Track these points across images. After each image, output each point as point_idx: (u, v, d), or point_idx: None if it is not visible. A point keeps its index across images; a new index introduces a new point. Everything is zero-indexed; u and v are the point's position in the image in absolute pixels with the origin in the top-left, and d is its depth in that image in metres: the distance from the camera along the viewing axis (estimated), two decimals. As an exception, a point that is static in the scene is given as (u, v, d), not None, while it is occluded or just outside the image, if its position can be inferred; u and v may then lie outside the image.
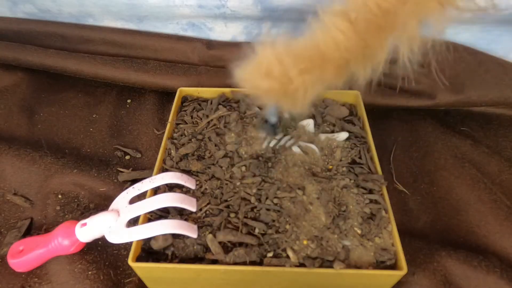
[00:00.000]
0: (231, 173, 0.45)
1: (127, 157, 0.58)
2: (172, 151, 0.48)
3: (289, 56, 0.33)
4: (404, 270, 0.36)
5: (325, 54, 0.32)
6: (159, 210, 0.42)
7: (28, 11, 0.69)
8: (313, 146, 0.48)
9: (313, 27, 0.33)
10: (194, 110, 0.54)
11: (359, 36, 0.31)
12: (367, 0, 0.30)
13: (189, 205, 0.41)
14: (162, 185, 0.44)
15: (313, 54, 0.33)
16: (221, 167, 0.46)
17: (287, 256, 0.38)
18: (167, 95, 0.66)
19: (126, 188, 0.45)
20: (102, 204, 0.51)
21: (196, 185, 0.44)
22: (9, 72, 0.70)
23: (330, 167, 0.46)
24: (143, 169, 0.55)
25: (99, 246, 0.46)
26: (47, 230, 0.48)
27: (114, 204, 0.43)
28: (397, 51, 0.33)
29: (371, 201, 0.42)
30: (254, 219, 0.41)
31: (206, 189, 0.44)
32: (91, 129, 0.62)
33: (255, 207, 0.42)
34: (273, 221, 0.41)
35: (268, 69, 0.34)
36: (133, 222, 0.41)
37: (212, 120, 0.52)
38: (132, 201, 0.43)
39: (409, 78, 0.35)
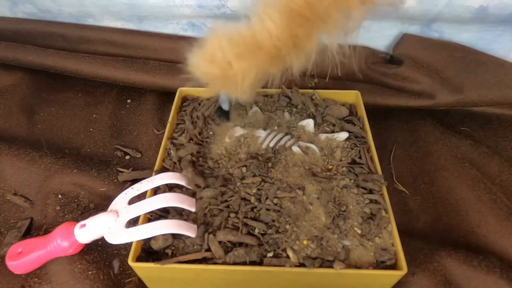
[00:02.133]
0: (231, 173, 0.45)
1: (127, 157, 0.58)
2: (172, 151, 0.48)
3: (229, 42, 0.35)
4: (404, 270, 0.36)
5: (258, 41, 0.34)
6: (158, 210, 0.42)
7: (28, 11, 0.69)
8: (313, 146, 0.48)
9: (250, 17, 0.36)
10: (194, 110, 0.54)
11: (287, 26, 0.33)
12: None
13: (189, 205, 0.41)
14: (162, 185, 0.44)
15: (248, 41, 0.35)
16: (221, 167, 0.46)
17: (287, 256, 0.38)
18: (167, 95, 0.66)
19: (126, 188, 0.45)
20: (102, 204, 0.51)
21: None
22: (9, 72, 0.70)
23: (330, 167, 0.46)
24: (143, 169, 0.55)
25: (99, 246, 0.46)
26: (47, 230, 0.48)
27: (113, 205, 0.43)
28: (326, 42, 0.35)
29: (371, 201, 0.42)
30: (254, 219, 0.41)
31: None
32: (91, 129, 0.62)
33: (255, 207, 0.42)
34: (273, 221, 0.41)
35: (211, 55, 0.36)
36: (133, 222, 0.41)
37: (210, 119, 0.52)
38: (132, 201, 0.43)
39: (337, 68, 0.35)
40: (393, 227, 0.40)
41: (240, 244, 0.39)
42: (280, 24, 0.33)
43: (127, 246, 0.46)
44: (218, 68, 0.36)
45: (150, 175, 0.45)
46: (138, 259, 0.39)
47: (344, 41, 0.35)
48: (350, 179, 0.44)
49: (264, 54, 0.35)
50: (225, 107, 0.47)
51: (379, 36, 0.63)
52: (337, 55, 0.35)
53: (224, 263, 0.38)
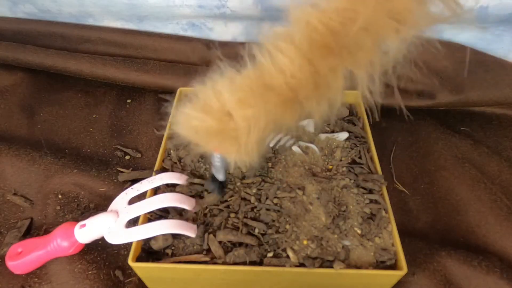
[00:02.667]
0: (231, 173, 0.45)
1: (127, 157, 0.58)
2: (172, 151, 0.48)
3: (228, 87, 0.28)
4: (404, 270, 0.36)
5: (268, 82, 0.27)
6: (158, 210, 0.42)
7: (28, 11, 0.69)
8: (313, 146, 0.48)
9: (255, 55, 0.28)
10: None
11: (305, 59, 0.27)
12: (309, 18, 0.26)
13: (189, 205, 0.41)
14: (162, 185, 0.44)
15: (254, 83, 0.28)
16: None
17: (287, 256, 0.38)
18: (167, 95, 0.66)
19: (126, 188, 0.45)
20: (102, 204, 0.51)
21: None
22: (9, 72, 0.70)
23: (330, 167, 0.46)
24: (143, 169, 0.55)
25: (99, 246, 0.46)
26: (47, 230, 0.48)
27: (113, 205, 0.43)
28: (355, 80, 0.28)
29: (371, 201, 0.42)
30: (254, 219, 0.41)
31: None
32: (91, 129, 0.62)
33: (255, 207, 0.42)
34: (273, 221, 0.41)
35: (205, 105, 0.29)
36: (133, 222, 0.41)
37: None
38: (132, 201, 0.43)
39: (373, 112, 0.28)
40: (393, 227, 0.40)
41: (240, 244, 0.39)
42: (296, 58, 0.26)
43: (127, 246, 0.46)
44: (213, 119, 0.28)
45: (150, 175, 0.45)
46: (138, 259, 0.39)
47: (376, 76, 0.28)
48: (350, 179, 0.44)
49: (275, 97, 0.28)
50: (220, 177, 0.38)
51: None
52: (371, 95, 0.28)
53: (224, 263, 0.38)
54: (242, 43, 0.64)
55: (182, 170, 0.46)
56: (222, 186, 0.39)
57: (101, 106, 0.67)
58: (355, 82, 0.28)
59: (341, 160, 0.47)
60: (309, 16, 0.26)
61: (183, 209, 0.42)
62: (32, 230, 0.49)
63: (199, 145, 0.31)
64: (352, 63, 0.27)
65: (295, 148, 0.47)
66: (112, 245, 0.45)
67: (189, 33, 0.67)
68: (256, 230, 0.40)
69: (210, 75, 0.30)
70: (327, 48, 0.26)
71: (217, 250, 0.38)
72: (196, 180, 0.44)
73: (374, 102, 0.28)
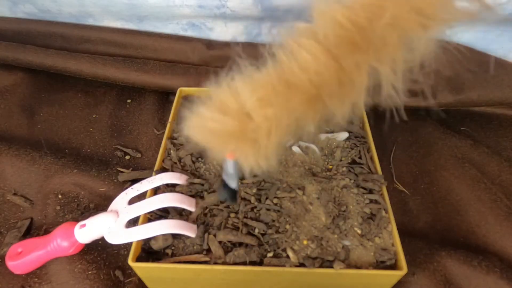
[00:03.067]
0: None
1: (127, 157, 0.58)
2: (172, 151, 0.48)
3: (247, 86, 0.27)
4: (404, 270, 0.36)
5: (290, 80, 0.26)
6: (158, 210, 0.42)
7: (28, 11, 0.69)
8: (313, 146, 0.48)
9: (276, 53, 0.27)
10: (194, 110, 0.54)
11: (330, 56, 0.26)
12: (335, 14, 0.26)
13: (189, 205, 0.41)
14: (162, 185, 0.44)
15: (275, 81, 0.26)
16: (221, 166, 0.46)
17: (287, 256, 0.38)
18: (167, 95, 0.66)
19: (126, 188, 0.45)
20: (102, 204, 0.51)
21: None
22: (9, 72, 0.70)
23: (330, 167, 0.46)
24: (143, 169, 0.55)
25: (99, 246, 0.46)
26: (47, 230, 0.48)
27: (113, 205, 0.43)
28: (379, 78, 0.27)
29: (371, 201, 0.42)
30: (254, 219, 0.41)
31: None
32: (91, 129, 0.62)
33: (255, 207, 0.42)
34: (273, 221, 0.41)
35: (222, 106, 0.27)
36: (133, 222, 0.41)
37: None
38: (132, 201, 0.43)
39: (398, 110, 0.27)
40: (393, 227, 0.40)
41: (240, 244, 0.39)
42: (321, 55, 0.25)
43: (127, 246, 0.46)
44: (230, 120, 0.26)
45: (150, 175, 0.45)
46: (138, 259, 0.39)
47: (401, 74, 0.27)
48: (350, 179, 0.44)
49: (298, 94, 0.26)
50: (233, 184, 0.35)
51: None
52: (396, 94, 0.27)
53: (224, 263, 0.38)
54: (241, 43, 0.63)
55: (182, 170, 0.46)
56: (234, 193, 0.37)
57: (101, 106, 0.67)
58: (379, 79, 0.27)
59: (341, 160, 0.47)
60: (335, 12, 0.26)
61: (183, 209, 0.42)
62: (32, 230, 0.49)
63: (215, 149, 0.29)
64: (377, 59, 0.26)
65: (295, 148, 0.47)
66: (112, 245, 0.45)
67: (189, 33, 0.67)
68: (256, 230, 0.40)
69: (225, 74, 0.28)
70: (353, 44, 0.26)
71: (217, 250, 0.38)
72: (196, 180, 0.44)
73: (399, 100, 0.27)
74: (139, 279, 0.42)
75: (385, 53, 0.26)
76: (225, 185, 0.36)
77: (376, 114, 0.61)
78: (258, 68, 0.28)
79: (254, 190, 0.43)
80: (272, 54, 0.27)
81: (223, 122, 0.27)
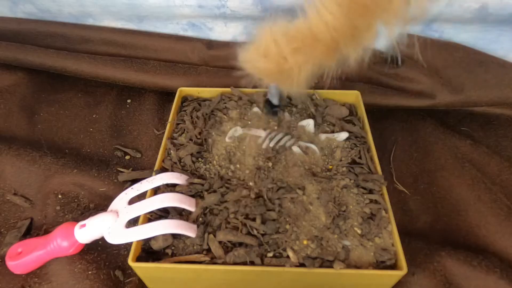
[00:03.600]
0: (231, 173, 0.45)
1: (127, 157, 0.58)
2: (172, 151, 0.48)
3: (284, 37, 0.35)
4: (404, 270, 0.36)
5: (315, 34, 0.34)
6: (158, 210, 0.42)
7: (28, 11, 0.69)
8: (313, 146, 0.48)
9: (306, 10, 0.34)
10: (194, 110, 0.54)
11: (346, 16, 0.32)
12: None
13: (189, 205, 0.41)
14: (162, 185, 0.44)
15: (305, 35, 0.34)
16: (221, 166, 0.46)
17: (287, 256, 0.38)
18: (167, 95, 0.66)
19: (126, 188, 0.45)
20: (102, 204, 0.51)
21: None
22: (9, 72, 0.70)
23: (330, 167, 0.46)
24: (143, 169, 0.55)
25: (99, 246, 0.46)
26: (47, 230, 0.48)
27: (113, 205, 0.43)
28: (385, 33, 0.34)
29: (371, 201, 0.42)
30: (254, 219, 0.41)
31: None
32: (91, 129, 0.62)
33: (255, 207, 0.42)
34: (273, 221, 0.40)
35: (265, 50, 0.36)
36: (133, 222, 0.41)
37: (210, 119, 0.52)
38: (132, 201, 0.43)
39: (397, 61, 0.35)
40: (393, 227, 0.40)
41: (240, 244, 0.39)
42: (339, 15, 0.32)
43: (127, 246, 0.46)
44: (272, 63, 0.36)
45: (150, 175, 0.45)
46: (138, 259, 0.39)
47: (405, 30, 0.33)
48: (350, 179, 0.44)
49: (321, 46, 0.34)
50: (275, 101, 0.46)
51: (379, 36, 0.63)
52: (398, 46, 0.33)
53: (224, 263, 0.38)
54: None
55: (182, 170, 0.46)
56: (275, 110, 0.47)
57: (101, 106, 0.67)
58: (384, 33, 0.34)
59: (341, 160, 0.47)
60: None
61: (183, 209, 0.42)
62: (32, 230, 0.49)
63: (262, 79, 0.39)
64: (384, 17, 0.32)
65: (295, 148, 0.47)
66: (112, 245, 0.45)
67: (189, 33, 0.67)
68: (256, 230, 0.40)
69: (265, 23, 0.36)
70: (364, 6, 0.31)
71: (217, 250, 0.38)
72: (196, 180, 0.44)
73: (398, 50, 0.33)
74: (139, 279, 0.42)
75: (390, 12, 0.32)
76: (268, 102, 0.47)
77: (376, 114, 0.61)
78: (292, 19, 0.35)
79: (255, 190, 0.43)
80: (303, 10, 0.34)
81: (267, 63, 0.36)
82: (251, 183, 0.44)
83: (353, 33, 0.33)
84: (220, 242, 0.39)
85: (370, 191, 0.43)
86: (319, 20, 0.33)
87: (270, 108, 0.48)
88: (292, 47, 0.35)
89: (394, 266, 0.38)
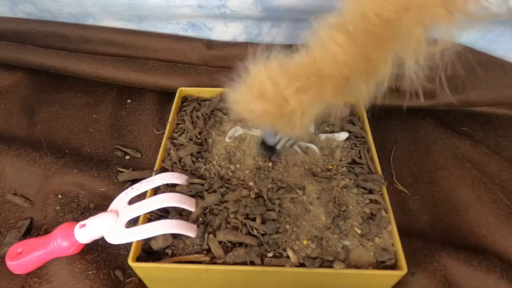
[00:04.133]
0: (231, 173, 0.45)
1: (127, 157, 0.58)
2: (172, 151, 0.48)
3: (284, 74, 0.30)
4: (404, 270, 0.36)
5: (322, 71, 0.29)
6: (158, 210, 0.42)
7: (28, 11, 0.69)
8: (313, 146, 0.48)
9: (308, 43, 0.30)
10: (194, 110, 0.54)
11: (358, 49, 0.28)
12: (364, 9, 0.28)
13: (189, 205, 0.41)
14: (162, 185, 0.44)
15: (309, 72, 0.30)
16: (221, 166, 0.46)
17: (287, 256, 0.38)
18: (167, 95, 0.66)
19: (126, 188, 0.45)
20: (102, 204, 0.51)
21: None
22: (9, 72, 0.70)
23: (330, 167, 0.46)
24: (143, 169, 0.55)
25: (99, 246, 0.46)
26: (47, 230, 0.48)
27: (113, 205, 0.43)
28: (402, 65, 0.30)
29: (371, 201, 0.42)
30: (254, 219, 0.41)
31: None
32: (91, 129, 0.62)
33: (255, 207, 0.42)
34: (273, 221, 0.40)
35: (261, 90, 0.31)
36: (133, 222, 0.41)
37: (210, 119, 0.52)
38: (132, 201, 0.43)
39: (418, 94, 0.30)
40: (393, 227, 0.40)
41: (240, 244, 0.39)
42: (350, 48, 0.28)
43: (127, 246, 0.46)
44: (270, 105, 0.31)
45: (150, 175, 0.45)
46: (138, 259, 0.39)
47: (424, 62, 0.29)
48: (350, 179, 0.44)
49: (329, 84, 0.30)
50: (271, 141, 0.42)
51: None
52: (418, 78, 0.29)
53: (224, 263, 0.38)
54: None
55: (182, 170, 0.46)
56: (271, 149, 0.42)
57: (101, 106, 0.67)
58: (402, 67, 0.29)
59: (341, 160, 0.47)
60: (363, 7, 0.27)
61: (183, 209, 0.42)
62: (32, 230, 0.49)
63: (255, 122, 0.34)
64: (402, 50, 0.28)
65: (295, 148, 0.47)
66: (112, 245, 0.45)
67: (189, 33, 0.67)
68: (256, 230, 0.40)
69: (258, 56, 0.32)
70: (380, 37, 0.27)
71: (217, 250, 0.38)
72: (196, 180, 0.44)
73: (418, 84, 0.30)
74: (139, 279, 0.42)
75: (410, 44, 0.28)
76: (262, 142, 0.42)
77: (376, 114, 0.61)
78: (291, 53, 0.31)
79: (255, 190, 0.43)
80: (305, 43, 0.30)
81: (263, 106, 0.31)
82: (251, 183, 0.44)
83: (366, 67, 0.29)
84: (220, 242, 0.39)
85: (370, 191, 0.43)
86: (326, 54, 0.29)
87: (265, 148, 0.43)
88: (295, 87, 0.30)
89: (394, 266, 0.38)
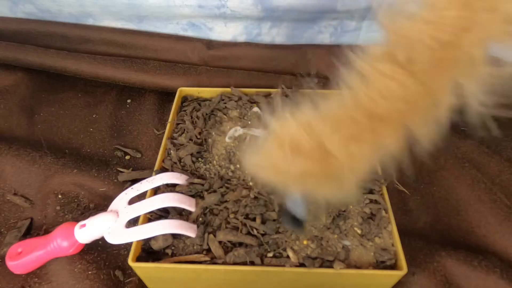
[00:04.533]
0: (231, 173, 0.45)
1: (127, 157, 0.58)
2: (172, 151, 0.48)
3: (323, 120, 0.24)
4: (404, 270, 0.36)
5: (372, 110, 0.24)
6: (158, 210, 0.42)
7: (28, 11, 0.69)
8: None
9: (345, 81, 0.25)
10: (194, 110, 0.54)
11: (417, 80, 0.23)
12: (419, 33, 0.23)
13: (189, 205, 0.41)
14: (162, 185, 0.44)
15: (354, 113, 0.24)
16: (221, 166, 0.46)
17: (287, 256, 0.38)
18: (167, 95, 0.66)
19: (126, 188, 0.45)
20: (102, 204, 0.51)
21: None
22: (9, 72, 0.70)
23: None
24: (143, 169, 0.55)
25: (99, 246, 0.46)
26: (47, 230, 0.48)
27: (113, 205, 0.43)
28: (462, 94, 0.25)
29: (371, 201, 0.42)
30: (254, 219, 0.41)
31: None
32: (91, 129, 0.62)
33: (255, 207, 0.42)
34: (273, 220, 0.40)
35: (293, 143, 0.24)
36: (133, 222, 0.41)
37: (210, 119, 0.52)
38: (132, 201, 0.43)
39: (490, 127, 0.25)
40: (393, 227, 0.40)
41: (240, 244, 0.39)
42: (406, 80, 0.23)
43: (127, 246, 0.46)
44: (309, 161, 0.24)
45: (150, 175, 0.45)
46: (138, 259, 0.39)
47: (488, 87, 0.24)
48: (350, 179, 0.44)
49: (383, 125, 0.24)
50: (300, 212, 0.32)
51: (379, 35, 0.63)
52: (485, 108, 0.24)
53: (224, 263, 0.38)
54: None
55: (182, 170, 0.46)
56: (302, 223, 0.33)
57: (101, 106, 0.67)
58: (463, 96, 0.25)
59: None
60: (416, 31, 0.23)
61: (183, 209, 0.42)
62: (32, 230, 0.49)
63: (288, 187, 0.27)
64: (463, 76, 0.24)
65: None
66: (112, 245, 0.45)
67: (189, 33, 0.67)
68: (256, 230, 0.40)
69: (280, 107, 0.26)
70: (439, 64, 0.23)
71: (217, 250, 0.38)
72: (196, 180, 0.44)
73: (488, 115, 0.25)
74: (139, 279, 0.42)
75: (471, 68, 0.24)
76: (286, 212, 0.32)
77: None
78: (324, 99, 0.25)
79: (255, 190, 0.43)
80: (343, 81, 0.25)
81: (299, 163, 0.24)
82: (251, 183, 0.44)
83: (425, 100, 0.24)
84: (220, 242, 0.39)
85: (370, 191, 0.43)
86: (373, 89, 0.24)
87: (293, 220, 0.34)
88: (341, 135, 0.24)
89: (394, 266, 0.38)
